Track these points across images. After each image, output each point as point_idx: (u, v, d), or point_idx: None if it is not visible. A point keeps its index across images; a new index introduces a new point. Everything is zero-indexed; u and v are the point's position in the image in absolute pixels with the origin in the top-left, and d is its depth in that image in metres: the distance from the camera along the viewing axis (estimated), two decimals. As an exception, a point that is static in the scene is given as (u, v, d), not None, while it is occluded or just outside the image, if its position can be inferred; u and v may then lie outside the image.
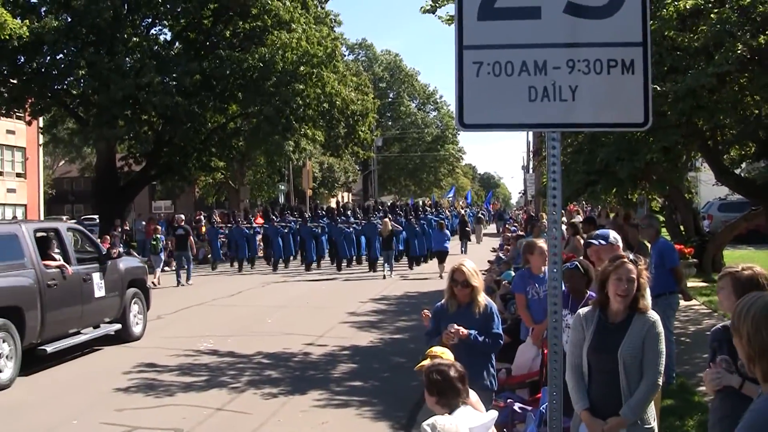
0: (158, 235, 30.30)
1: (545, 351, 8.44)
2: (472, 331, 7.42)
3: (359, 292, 25.65)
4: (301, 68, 39.80)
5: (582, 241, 14.40)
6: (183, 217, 34.08)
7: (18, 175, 55.52)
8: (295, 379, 13.23)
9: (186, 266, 29.52)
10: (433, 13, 20.51)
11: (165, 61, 37.82)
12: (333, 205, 58.54)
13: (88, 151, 47.70)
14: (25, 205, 55.08)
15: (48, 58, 36.56)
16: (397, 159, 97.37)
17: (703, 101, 14.03)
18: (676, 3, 14.39)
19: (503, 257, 23.59)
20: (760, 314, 3.53)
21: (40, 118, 42.54)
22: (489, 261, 26.72)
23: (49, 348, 14.31)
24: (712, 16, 13.86)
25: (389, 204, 50.00)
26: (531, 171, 61.39)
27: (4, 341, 13.01)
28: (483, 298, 7.68)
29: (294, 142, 46.19)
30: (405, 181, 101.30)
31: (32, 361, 14.07)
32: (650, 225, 12.47)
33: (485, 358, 7.65)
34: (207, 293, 25.54)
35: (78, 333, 15.57)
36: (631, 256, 5.85)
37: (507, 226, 45.83)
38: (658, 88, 13.39)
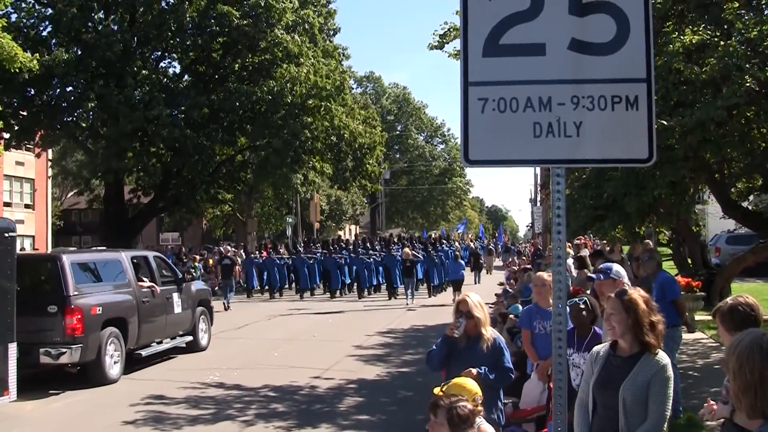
0: (196, 264, 33.18)
1: (551, 385, 8.43)
2: (482, 369, 7.43)
3: (366, 324, 25.61)
4: (310, 101, 39.98)
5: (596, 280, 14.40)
6: (230, 248, 37.55)
7: (26, 206, 55.63)
8: (302, 412, 13.21)
9: (230, 292, 32.64)
10: (441, 49, 20.65)
11: (174, 94, 38.04)
12: (347, 237, 59.16)
13: (96, 183, 47.79)
14: (33, 236, 55.17)
15: (58, 90, 36.85)
16: (404, 192, 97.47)
17: (710, 135, 14.03)
18: (681, 38, 14.46)
19: (510, 290, 23.57)
20: (745, 351, 3.57)
21: (50, 150, 42.77)
22: (496, 294, 26.69)
23: (144, 352, 18.14)
24: (719, 48, 13.92)
25: (407, 237, 51.25)
26: (538, 204, 61.43)
27: (113, 345, 16.73)
28: (490, 332, 7.68)
29: (302, 175, 46.32)
30: (413, 213, 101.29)
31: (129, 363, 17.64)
32: (651, 258, 12.48)
33: (494, 393, 7.64)
34: (215, 326, 25.54)
35: (161, 342, 19.20)
36: (629, 289, 5.83)
37: (512, 259, 45.85)
38: (665, 123, 13.42)
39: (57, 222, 71.28)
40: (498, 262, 67.59)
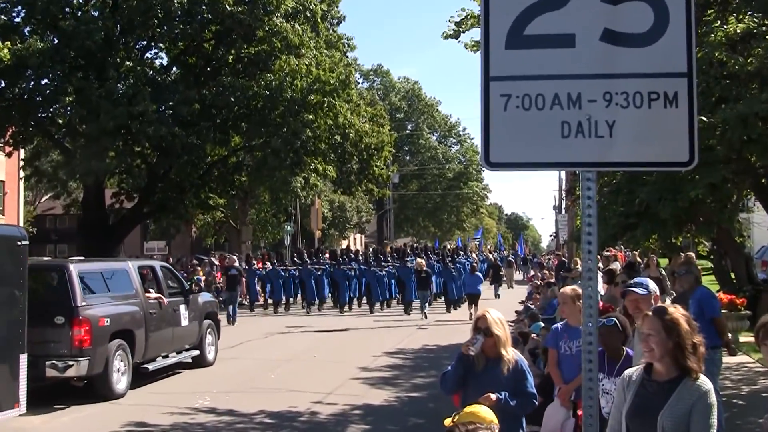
0: (195, 277, 33.56)
1: (580, 413, 8.40)
2: (502, 395, 7.39)
3: (372, 344, 25.59)
4: (311, 97, 39.96)
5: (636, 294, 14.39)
6: (236, 258, 37.46)
7: (-4, 211, 55.77)
8: (301, 441, 13.21)
9: (235, 305, 33.21)
10: (457, 39, 20.63)
11: (161, 87, 38.01)
12: (356, 247, 59.58)
13: (74, 186, 47.79)
14: (3, 245, 55.03)
15: (32, 83, 36.77)
16: (415, 197, 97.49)
17: (755, 132, 13.89)
18: (724, 27, 14.40)
19: (532, 307, 23.55)
20: None
21: (22, 149, 42.79)
22: (517, 311, 26.66)
23: (151, 366, 18.89)
24: (767, 38, 13.85)
25: (420, 247, 51.77)
26: (563, 212, 61.35)
27: (121, 358, 17.49)
28: (512, 353, 7.64)
29: (303, 178, 46.32)
30: (424, 221, 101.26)
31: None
32: (689, 272, 12.43)
33: (515, 421, 7.58)
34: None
35: (167, 356, 19.92)
36: (668, 307, 5.77)
37: (535, 272, 45.84)
38: (705, 120, 13.34)
39: (30, 229, 71.22)
40: (518, 275, 67.60)
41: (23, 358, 13.60)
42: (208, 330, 22.24)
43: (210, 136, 39.74)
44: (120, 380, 17.48)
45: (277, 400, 16.41)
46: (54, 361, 16.18)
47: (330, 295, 40.14)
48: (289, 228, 61.72)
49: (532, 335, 16.23)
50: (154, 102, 36.27)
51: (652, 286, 8.68)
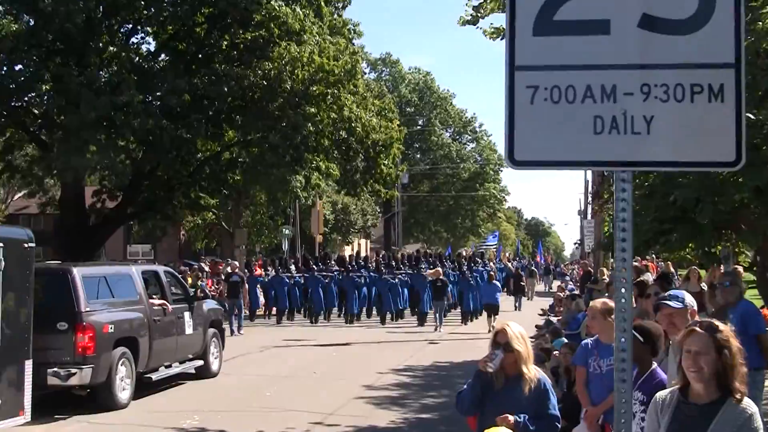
0: (199, 282, 34.36)
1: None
2: (522, 417, 7.37)
3: (378, 360, 25.60)
4: (314, 88, 39.96)
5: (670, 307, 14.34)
6: (237, 263, 38.65)
7: (-35, 210, 55.84)
8: (300, 466, 13.21)
9: (238, 314, 34.23)
10: (475, 25, 20.59)
11: (147, 76, 38.00)
12: (365, 253, 59.95)
13: (50, 183, 47.80)
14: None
15: (4, 68, 36.73)
16: (426, 199, 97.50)
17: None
18: (774, 12, 14.32)
19: (554, 321, 23.54)
20: None
21: (-6, 142, 42.77)
22: (537, 326, 26.66)
23: (154, 376, 19.87)
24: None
25: (433, 254, 52.17)
26: (589, 217, 61.25)
27: (125, 367, 18.35)
28: (534, 371, 7.61)
29: (303, 177, 46.31)
30: (435, 226, 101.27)
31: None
32: (734, 283, 12.37)
33: (536, 445, 7.56)
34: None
35: (170, 366, 20.85)
36: (718, 323, 5.73)
37: (561, 283, 45.87)
38: (752, 117, 13.28)
39: (3, 229, 71.14)
40: (540, 286, 67.66)
41: (29, 365, 14.24)
42: (213, 339, 23.16)
43: (201, 130, 39.66)
44: (123, 390, 18.34)
45: (273, 421, 16.41)
46: (56, 369, 16.93)
47: (337, 304, 40.70)
48: (287, 232, 61.74)
49: (554, 352, 16.21)
50: (140, 91, 36.21)
51: (689, 299, 8.63)
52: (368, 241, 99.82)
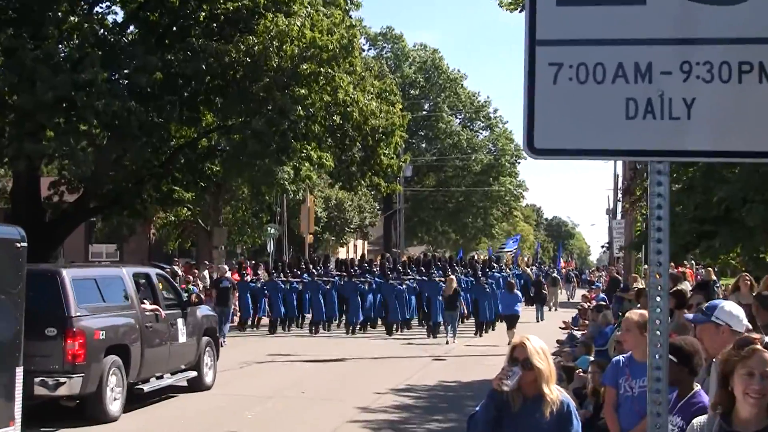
0: (190, 286, 35.28)
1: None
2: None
3: (376, 378, 25.61)
4: (304, 66, 39.88)
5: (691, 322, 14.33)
6: (227, 268, 39.33)
7: None
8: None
9: (225, 323, 34.88)
10: (491, -6, 20.58)
11: (114, 50, 37.96)
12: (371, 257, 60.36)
13: (1, 173, 47.84)
14: None
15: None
16: (432, 195, 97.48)
17: None
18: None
19: (578, 336, 23.54)
20: None
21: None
22: (558, 341, 26.67)
23: (146, 387, 20.67)
24: None
25: (441, 257, 52.58)
26: (619, 216, 61.28)
27: (116, 377, 19.01)
28: (556, 392, 7.59)
29: (292, 168, 46.26)
30: (442, 226, 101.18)
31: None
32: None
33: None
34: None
35: (161, 377, 21.66)
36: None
37: (584, 292, 45.90)
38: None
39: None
40: (562, 295, 67.78)
41: (19, 372, 14.64)
42: (207, 349, 24.04)
43: (175, 114, 39.59)
44: (114, 402, 19.04)
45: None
46: (44, 378, 17.50)
47: (338, 312, 41.39)
48: (273, 231, 61.69)
49: (578, 371, 16.21)
50: (104, 69, 36.10)
51: (727, 310, 8.61)
52: (365, 243, 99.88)
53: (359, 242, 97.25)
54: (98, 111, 35.70)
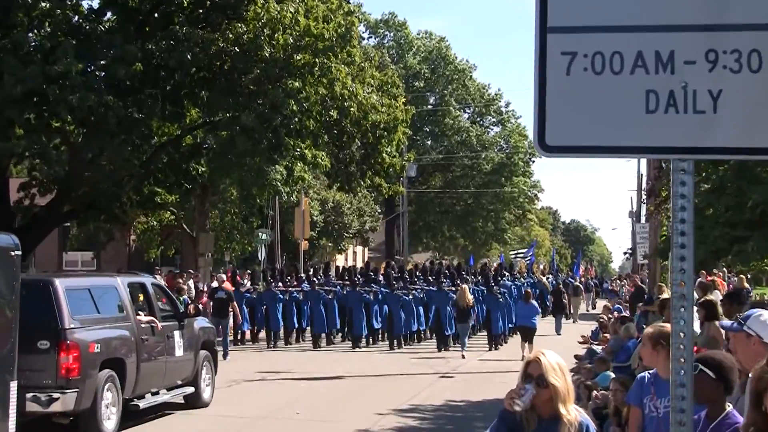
0: (183, 297, 35.05)
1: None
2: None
3: (378, 397, 25.63)
4: (298, 56, 39.84)
5: (722, 329, 14.32)
6: (224, 277, 39.98)
7: None
8: None
9: (223, 337, 35.38)
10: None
11: (89, 40, 37.94)
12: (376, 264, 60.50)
13: (-33, 175, 47.76)
14: None
15: None
16: (438, 197, 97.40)
17: None
18: None
19: (598, 351, 23.52)
20: None
21: None
22: (576, 357, 26.64)
23: (142, 404, 21.13)
24: None
25: (449, 265, 52.78)
26: (643, 220, 61.32)
27: (111, 392, 19.50)
28: (574, 413, 7.56)
29: (285, 168, 46.25)
30: (450, 230, 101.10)
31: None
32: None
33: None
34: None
35: (157, 392, 22.19)
36: None
37: (607, 303, 45.90)
38: None
39: None
40: (582, 307, 67.82)
41: (13, 387, 15.14)
42: (205, 363, 24.73)
43: (157, 109, 39.46)
44: (109, 419, 19.56)
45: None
46: (36, 393, 17.91)
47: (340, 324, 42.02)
48: (264, 236, 61.67)
49: (599, 390, 16.20)
50: (79, 60, 36.10)
51: (764, 320, 8.60)
52: (366, 249, 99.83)
53: (359, 249, 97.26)
54: (72, 106, 35.63)
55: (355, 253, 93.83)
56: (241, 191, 55.39)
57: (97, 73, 37.81)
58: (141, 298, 23.66)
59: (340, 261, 78.85)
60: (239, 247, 67.89)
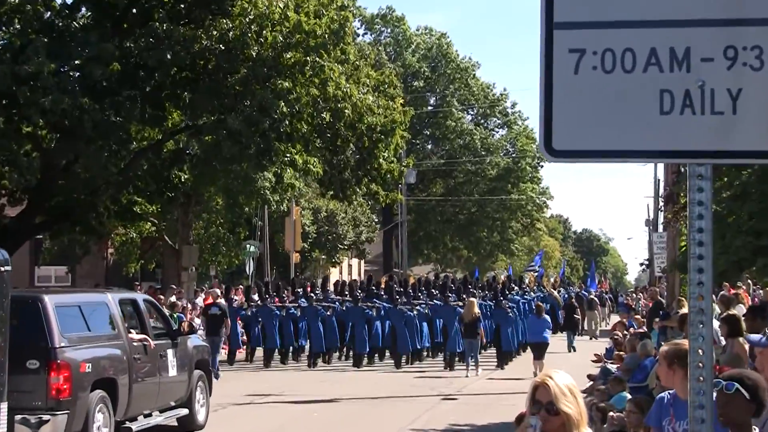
0: (175, 314, 35.70)
1: None
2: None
3: (374, 423, 25.63)
4: (288, 55, 39.86)
5: (746, 345, 14.32)
6: (219, 292, 40.63)
7: None
8: None
9: (212, 356, 34.31)
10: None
11: (63, 37, 37.95)
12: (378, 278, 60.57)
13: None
14: None
15: None
16: (440, 205, 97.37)
17: None
18: None
19: (612, 370, 23.53)
20: None
21: None
22: (589, 376, 26.65)
23: (134, 426, 21.22)
24: None
25: (453, 278, 53.03)
26: (661, 229, 61.34)
27: (102, 414, 19.74)
28: (587, 440, 7.54)
29: (274, 175, 46.26)
30: (452, 241, 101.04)
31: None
32: None
33: None
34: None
35: (150, 414, 22.43)
36: None
37: (622, 319, 45.91)
38: None
39: None
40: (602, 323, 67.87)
41: (3, 408, 15.54)
42: (199, 383, 24.96)
43: (136, 112, 39.43)
44: None
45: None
46: (25, 416, 18.03)
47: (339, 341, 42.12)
48: (252, 249, 61.68)
49: (614, 412, 16.20)
50: (52, 59, 36.12)
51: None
52: (362, 262, 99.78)
53: (354, 261, 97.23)
54: (44, 109, 35.62)
55: (350, 266, 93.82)
56: (227, 200, 55.41)
57: (71, 74, 37.82)
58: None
59: (334, 275, 78.87)
60: (225, 260, 67.86)
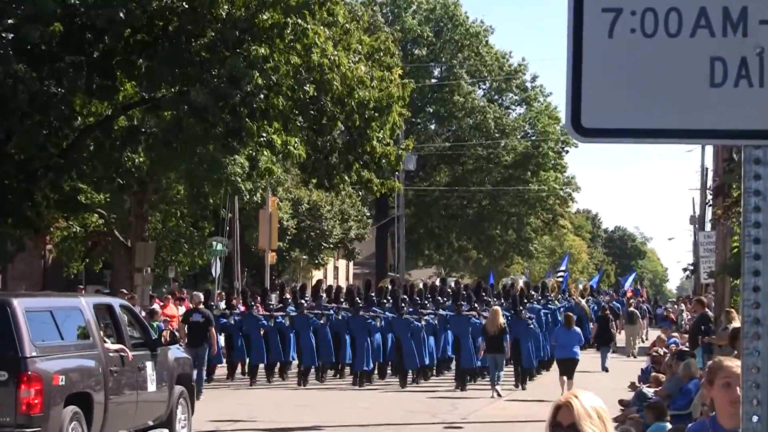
0: (158, 323, 37.10)
1: None
2: None
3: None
4: (264, 15, 39.81)
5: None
6: (201, 296, 40.67)
7: None
8: None
9: (198, 372, 35.09)
10: None
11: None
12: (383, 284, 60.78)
13: None
14: None
15: None
16: (444, 197, 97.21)
17: None
18: None
19: (649, 394, 23.60)
20: None
21: None
22: (621, 402, 26.73)
23: None
24: None
25: (461, 282, 53.19)
26: (708, 227, 61.38)
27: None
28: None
29: (246, 158, 46.27)
30: (459, 240, 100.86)
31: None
32: None
33: None
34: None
35: None
36: None
37: (661, 334, 46.00)
38: None
39: None
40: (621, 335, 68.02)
41: None
42: (180, 400, 25.75)
43: (81, 81, 39.49)
44: None
45: None
46: None
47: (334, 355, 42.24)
48: (219, 247, 61.68)
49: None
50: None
51: None
52: (350, 263, 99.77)
53: (341, 263, 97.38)
54: (-28, 78, 35.73)
55: (336, 268, 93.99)
56: (190, 188, 55.38)
57: (3, 35, 37.80)
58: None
59: (318, 277, 78.83)
60: (187, 260, 67.85)
